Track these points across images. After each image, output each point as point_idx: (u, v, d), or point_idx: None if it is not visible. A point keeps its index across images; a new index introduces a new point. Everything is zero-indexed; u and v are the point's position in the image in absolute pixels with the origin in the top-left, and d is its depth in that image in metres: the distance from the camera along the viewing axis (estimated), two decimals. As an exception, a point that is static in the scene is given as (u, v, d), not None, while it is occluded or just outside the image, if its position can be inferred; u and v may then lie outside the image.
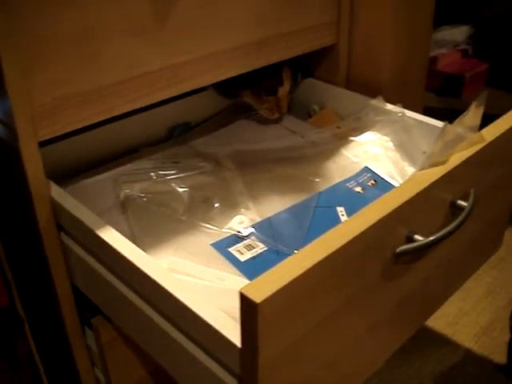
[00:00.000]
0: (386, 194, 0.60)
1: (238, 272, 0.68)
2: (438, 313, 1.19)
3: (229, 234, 0.74)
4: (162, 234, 0.74)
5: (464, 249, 0.79)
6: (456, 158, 0.67)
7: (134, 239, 0.74)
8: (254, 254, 0.70)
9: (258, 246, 0.72)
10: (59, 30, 0.64)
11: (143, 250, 0.69)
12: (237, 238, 0.73)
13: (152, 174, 0.84)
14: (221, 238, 0.73)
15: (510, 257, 1.36)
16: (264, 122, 1.02)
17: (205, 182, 0.83)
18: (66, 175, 0.84)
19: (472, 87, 2.32)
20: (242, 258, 0.70)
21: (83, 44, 0.67)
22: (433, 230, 0.64)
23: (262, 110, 1.00)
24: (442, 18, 2.20)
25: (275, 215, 0.77)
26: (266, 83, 0.97)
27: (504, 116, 0.76)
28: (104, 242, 0.64)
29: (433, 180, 0.63)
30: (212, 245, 0.72)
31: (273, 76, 0.96)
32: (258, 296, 0.47)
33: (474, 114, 0.69)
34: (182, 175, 0.85)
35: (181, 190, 0.81)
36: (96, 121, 0.73)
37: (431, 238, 0.62)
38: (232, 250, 0.71)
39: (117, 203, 0.81)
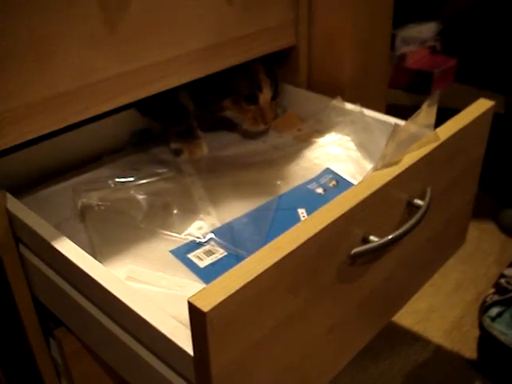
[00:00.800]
0: (340, 195, 0.60)
1: (197, 278, 0.68)
2: (409, 309, 1.20)
3: (188, 240, 0.73)
4: (120, 242, 0.73)
5: (425, 247, 0.79)
6: (411, 157, 0.67)
7: (93, 249, 0.73)
8: (214, 260, 0.70)
9: (217, 251, 0.71)
10: (7, 41, 0.63)
11: (102, 259, 0.69)
12: (196, 244, 0.73)
13: (110, 182, 0.83)
14: (180, 244, 0.73)
15: (479, 251, 1.37)
16: (227, 128, 1.00)
17: (164, 188, 0.83)
18: (24, 186, 0.83)
19: (441, 83, 2.34)
20: (202, 264, 0.69)
21: (33, 54, 0.66)
22: (389, 230, 0.64)
23: (246, 121, 0.94)
24: (408, 16, 2.22)
25: (235, 220, 0.77)
26: (242, 89, 0.92)
27: (459, 114, 0.77)
28: (59, 253, 0.63)
29: (387, 180, 0.63)
30: (171, 251, 0.72)
31: (248, 80, 0.93)
32: (206, 305, 0.46)
33: (427, 113, 0.70)
34: (141, 182, 0.84)
35: (140, 197, 0.80)
36: (50, 131, 0.72)
37: (386, 239, 0.63)
38: (191, 256, 0.71)
39: (75, 213, 0.80)
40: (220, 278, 0.49)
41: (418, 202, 0.69)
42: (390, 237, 0.63)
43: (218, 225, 0.76)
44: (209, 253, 0.71)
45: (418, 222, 0.67)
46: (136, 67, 0.77)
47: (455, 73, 2.42)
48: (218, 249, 0.72)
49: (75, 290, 0.66)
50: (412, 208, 0.69)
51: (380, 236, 0.63)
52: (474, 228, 1.45)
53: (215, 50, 0.86)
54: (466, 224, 0.92)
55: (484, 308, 1.08)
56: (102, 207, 0.78)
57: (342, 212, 0.58)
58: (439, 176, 0.75)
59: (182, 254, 0.71)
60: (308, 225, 0.56)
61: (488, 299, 1.11)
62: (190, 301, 0.47)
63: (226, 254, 0.71)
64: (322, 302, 0.60)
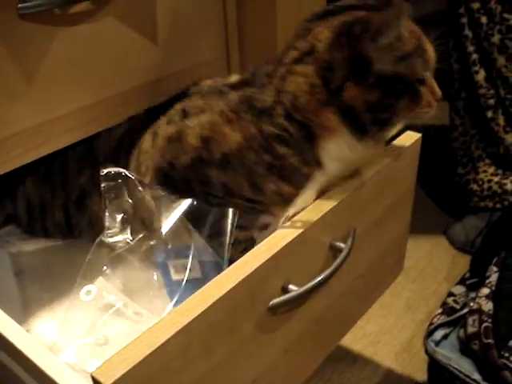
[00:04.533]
0: (256, 248, 0.60)
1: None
2: (359, 333, 1.21)
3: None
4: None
5: (357, 283, 0.80)
6: (333, 200, 0.68)
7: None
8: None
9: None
10: None
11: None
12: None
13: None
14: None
15: (430, 268, 1.39)
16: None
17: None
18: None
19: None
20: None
21: None
22: (312, 275, 0.65)
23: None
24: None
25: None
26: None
27: (386, 148, 0.77)
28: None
29: (304, 228, 0.63)
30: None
31: None
32: (107, 378, 0.46)
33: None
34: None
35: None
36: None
37: (305, 288, 0.63)
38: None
39: (9, 263, 0.80)
40: (124, 348, 0.49)
41: (340, 245, 0.69)
42: (309, 285, 0.63)
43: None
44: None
45: (340, 266, 0.67)
46: (58, 115, 0.76)
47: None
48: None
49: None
50: (335, 251, 0.69)
51: (301, 283, 0.63)
52: (425, 242, 1.46)
53: (149, 87, 0.86)
54: (403, 252, 0.93)
55: (429, 332, 1.08)
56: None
57: (257, 265, 0.58)
58: (366, 214, 0.75)
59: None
60: (220, 283, 0.56)
61: (435, 320, 1.11)
62: (93, 374, 0.47)
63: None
64: (240, 358, 0.60)
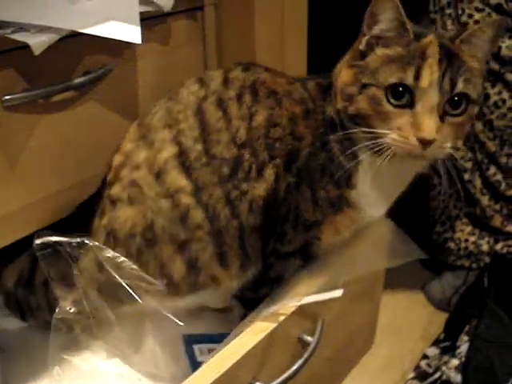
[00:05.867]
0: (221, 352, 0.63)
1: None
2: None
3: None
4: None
5: (325, 366, 0.82)
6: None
7: None
8: None
9: None
10: None
11: None
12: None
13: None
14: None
15: (407, 325, 1.40)
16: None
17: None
18: None
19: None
20: None
21: None
22: (282, 369, 0.67)
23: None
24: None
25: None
26: None
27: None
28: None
29: (272, 327, 0.66)
30: None
31: None
32: None
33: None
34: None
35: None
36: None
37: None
38: None
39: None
40: None
41: (308, 338, 0.71)
42: (278, 381, 0.66)
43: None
44: None
45: (308, 359, 0.69)
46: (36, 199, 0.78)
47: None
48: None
49: None
50: (304, 344, 0.72)
51: (270, 378, 0.66)
52: (403, 298, 1.48)
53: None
54: (373, 330, 0.95)
55: (400, 399, 1.10)
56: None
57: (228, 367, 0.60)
58: (334, 304, 0.78)
59: None
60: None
61: (407, 386, 1.14)
62: None
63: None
64: None
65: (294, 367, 0.67)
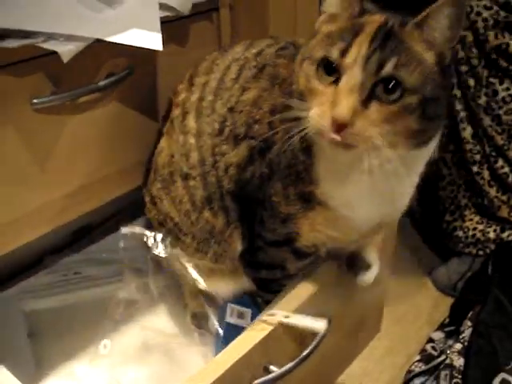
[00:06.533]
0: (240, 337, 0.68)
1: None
2: (342, 374, 1.27)
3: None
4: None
5: (335, 348, 0.87)
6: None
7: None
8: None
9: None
10: None
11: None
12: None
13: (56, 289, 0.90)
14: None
15: (413, 310, 1.45)
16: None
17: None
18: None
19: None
20: None
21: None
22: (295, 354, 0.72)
23: None
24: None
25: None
26: None
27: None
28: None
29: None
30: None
31: None
32: None
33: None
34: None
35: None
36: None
37: (286, 368, 0.70)
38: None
39: (22, 322, 0.86)
40: None
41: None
42: (289, 366, 0.71)
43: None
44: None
45: (317, 346, 0.74)
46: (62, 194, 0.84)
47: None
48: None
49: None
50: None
51: (283, 362, 0.71)
52: (410, 284, 1.53)
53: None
54: (380, 314, 1.00)
55: (406, 380, 1.16)
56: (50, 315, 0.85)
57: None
58: (343, 291, 0.83)
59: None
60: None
61: (413, 368, 1.19)
62: None
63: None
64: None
65: (305, 352, 0.72)
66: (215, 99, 0.80)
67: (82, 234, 1.05)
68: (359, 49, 0.60)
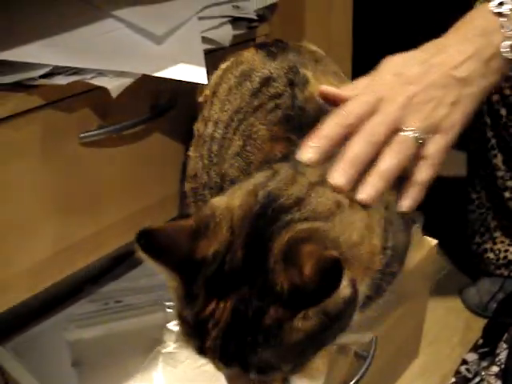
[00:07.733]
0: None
1: None
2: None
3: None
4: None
5: (377, 375, 0.88)
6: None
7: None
8: None
9: None
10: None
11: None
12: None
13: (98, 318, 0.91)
14: None
15: (445, 331, 1.45)
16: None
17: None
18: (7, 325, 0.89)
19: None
20: None
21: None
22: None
23: None
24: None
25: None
26: None
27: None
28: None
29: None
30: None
31: None
32: None
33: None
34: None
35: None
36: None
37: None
38: None
39: (67, 352, 0.88)
40: None
41: (364, 353, 0.77)
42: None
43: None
44: None
45: (365, 373, 0.75)
46: (105, 225, 0.85)
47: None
48: None
49: None
50: (359, 358, 0.78)
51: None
52: (441, 303, 1.53)
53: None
54: (418, 341, 1.00)
55: (443, 404, 1.15)
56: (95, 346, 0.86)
57: None
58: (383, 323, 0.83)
59: None
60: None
61: (448, 391, 1.19)
62: None
63: None
64: None
65: (354, 380, 0.73)
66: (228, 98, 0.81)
67: (120, 261, 1.06)
68: None
